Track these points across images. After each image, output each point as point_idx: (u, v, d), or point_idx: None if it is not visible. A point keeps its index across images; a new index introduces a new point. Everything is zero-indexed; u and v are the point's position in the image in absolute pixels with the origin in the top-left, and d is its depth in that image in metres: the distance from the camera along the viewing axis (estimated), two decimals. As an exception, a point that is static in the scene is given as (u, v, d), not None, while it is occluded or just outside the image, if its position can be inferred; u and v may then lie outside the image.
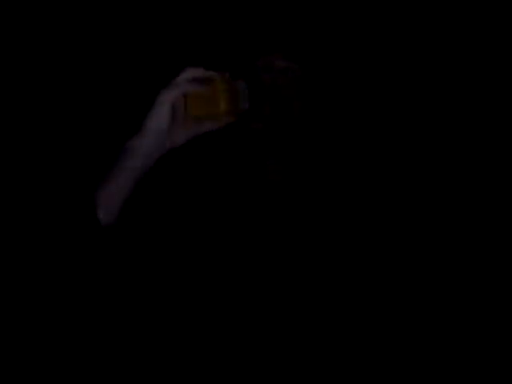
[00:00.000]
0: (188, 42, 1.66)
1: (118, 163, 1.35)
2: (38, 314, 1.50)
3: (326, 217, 1.58)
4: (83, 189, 1.38)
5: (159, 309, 1.54)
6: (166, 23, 1.63)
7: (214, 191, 1.52)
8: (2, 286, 1.48)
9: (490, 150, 1.69)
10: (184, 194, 1.52)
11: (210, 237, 1.50)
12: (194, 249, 1.51)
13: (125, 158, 1.34)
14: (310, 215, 1.57)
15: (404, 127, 1.69)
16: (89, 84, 1.63)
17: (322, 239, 1.58)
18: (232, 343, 1.47)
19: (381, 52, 1.69)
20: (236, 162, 1.51)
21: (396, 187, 1.67)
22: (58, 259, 1.38)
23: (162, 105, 1.30)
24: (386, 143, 1.68)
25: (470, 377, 1.60)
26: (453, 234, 1.66)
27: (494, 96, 1.70)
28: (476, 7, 1.70)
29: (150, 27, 1.63)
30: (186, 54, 1.69)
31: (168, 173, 1.51)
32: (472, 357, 1.61)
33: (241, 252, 1.52)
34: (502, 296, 1.63)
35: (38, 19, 1.66)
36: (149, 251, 1.51)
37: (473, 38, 1.70)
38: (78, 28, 1.65)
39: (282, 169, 1.49)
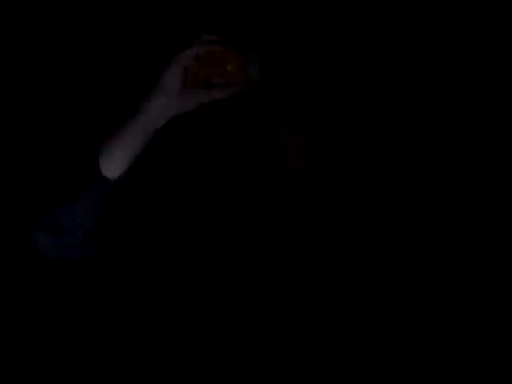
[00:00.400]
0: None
1: (128, 120, 1.37)
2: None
3: (328, 212, 1.58)
4: (88, 143, 1.40)
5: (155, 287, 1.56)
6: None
7: (221, 169, 1.53)
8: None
9: (490, 150, 1.69)
10: (190, 169, 1.53)
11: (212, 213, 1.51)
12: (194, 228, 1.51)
13: (135, 115, 1.36)
14: (316, 208, 1.57)
15: (404, 127, 1.70)
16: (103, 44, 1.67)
17: (323, 237, 1.58)
18: (230, 341, 1.47)
19: (380, 52, 1.70)
20: (247, 143, 1.52)
21: (395, 186, 1.68)
22: (59, 199, 1.39)
23: (175, 65, 1.33)
24: (387, 142, 1.68)
25: (470, 377, 1.60)
26: (453, 234, 1.67)
27: (494, 96, 1.70)
28: (476, 7, 1.70)
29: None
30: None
31: (175, 145, 1.53)
32: (472, 357, 1.61)
33: (244, 245, 1.53)
34: (502, 296, 1.63)
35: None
36: (148, 216, 1.51)
37: (473, 38, 1.71)
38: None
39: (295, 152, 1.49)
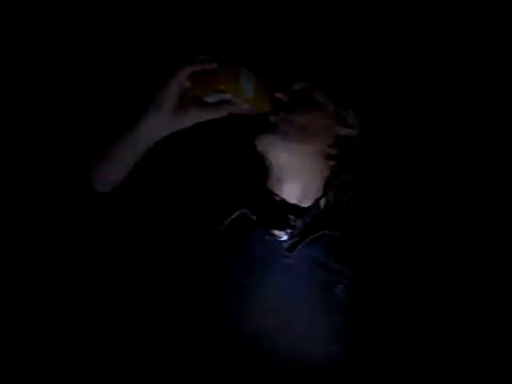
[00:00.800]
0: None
1: (122, 136, 1.36)
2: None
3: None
4: (80, 158, 1.40)
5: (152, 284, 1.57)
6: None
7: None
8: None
9: (490, 151, 1.70)
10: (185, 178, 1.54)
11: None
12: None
13: (129, 131, 1.36)
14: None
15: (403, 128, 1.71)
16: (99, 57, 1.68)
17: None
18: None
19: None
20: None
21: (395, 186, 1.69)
22: (52, 220, 1.40)
23: (171, 83, 1.33)
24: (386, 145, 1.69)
25: (470, 377, 1.61)
26: (453, 234, 1.67)
27: (494, 96, 1.71)
28: (476, 7, 1.71)
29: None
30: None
31: (171, 159, 1.54)
32: (472, 357, 1.62)
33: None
34: (502, 296, 1.64)
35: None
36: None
37: (473, 38, 1.71)
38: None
39: None
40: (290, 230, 1.42)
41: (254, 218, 1.42)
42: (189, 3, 1.75)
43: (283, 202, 1.43)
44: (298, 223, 1.42)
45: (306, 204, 1.45)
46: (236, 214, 1.43)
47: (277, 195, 1.44)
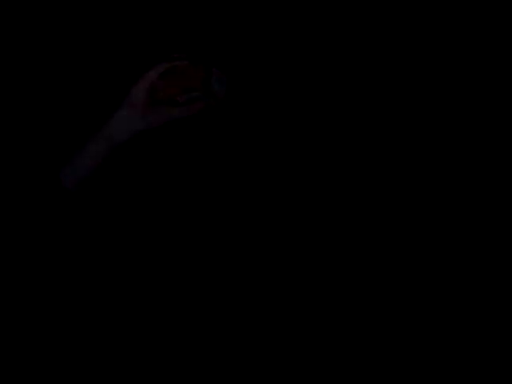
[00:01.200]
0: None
1: (92, 133, 1.39)
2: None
3: (323, 213, 1.58)
4: (49, 153, 1.42)
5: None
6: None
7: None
8: None
9: (490, 151, 1.69)
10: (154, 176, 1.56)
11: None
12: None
13: (98, 129, 1.38)
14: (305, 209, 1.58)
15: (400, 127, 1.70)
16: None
17: (320, 236, 1.59)
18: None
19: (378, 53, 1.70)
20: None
21: (394, 186, 1.68)
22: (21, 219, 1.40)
23: (142, 82, 1.36)
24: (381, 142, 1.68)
25: (470, 377, 1.60)
26: (452, 234, 1.67)
27: (494, 96, 1.70)
28: (476, 7, 1.70)
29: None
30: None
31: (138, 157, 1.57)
32: (472, 357, 1.61)
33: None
34: (502, 296, 1.63)
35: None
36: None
37: (473, 38, 1.71)
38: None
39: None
40: None
41: None
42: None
43: None
44: None
45: None
46: None
47: None
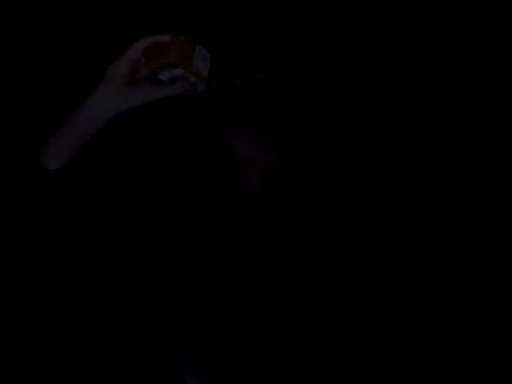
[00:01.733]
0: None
1: (72, 113, 1.33)
2: None
3: (320, 217, 1.58)
4: (29, 134, 1.37)
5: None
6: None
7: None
8: None
9: (490, 150, 1.70)
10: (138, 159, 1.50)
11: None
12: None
13: (79, 108, 1.32)
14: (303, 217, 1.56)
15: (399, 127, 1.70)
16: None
17: (319, 239, 1.58)
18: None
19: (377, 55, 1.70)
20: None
21: (393, 187, 1.68)
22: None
23: (122, 58, 1.30)
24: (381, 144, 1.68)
25: (470, 377, 1.60)
26: (452, 234, 1.67)
27: (493, 96, 1.70)
28: (476, 7, 1.70)
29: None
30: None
31: (124, 136, 1.50)
32: (472, 357, 1.61)
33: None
34: (502, 296, 1.64)
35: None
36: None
37: (473, 38, 1.71)
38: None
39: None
40: None
41: None
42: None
43: None
44: None
45: None
46: None
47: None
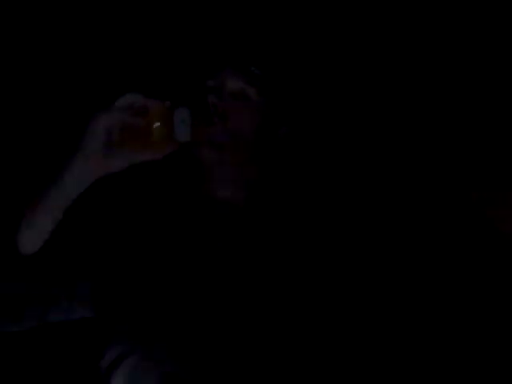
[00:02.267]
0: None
1: (48, 188, 1.26)
2: None
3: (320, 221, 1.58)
4: (5, 215, 1.29)
5: None
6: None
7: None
8: None
9: (490, 150, 1.69)
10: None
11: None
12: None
13: (54, 181, 1.26)
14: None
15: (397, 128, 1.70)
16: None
17: (320, 241, 1.58)
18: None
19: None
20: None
21: (393, 188, 1.68)
22: None
23: (95, 126, 1.24)
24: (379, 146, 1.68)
25: (470, 377, 1.60)
26: (452, 233, 1.66)
27: (493, 96, 1.70)
28: (476, 7, 1.70)
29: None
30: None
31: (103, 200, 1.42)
32: (472, 357, 1.60)
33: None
34: (502, 296, 1.63)
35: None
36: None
37: (473, 38, 1.70)
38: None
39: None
40: None
41: None
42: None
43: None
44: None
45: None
46: None
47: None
